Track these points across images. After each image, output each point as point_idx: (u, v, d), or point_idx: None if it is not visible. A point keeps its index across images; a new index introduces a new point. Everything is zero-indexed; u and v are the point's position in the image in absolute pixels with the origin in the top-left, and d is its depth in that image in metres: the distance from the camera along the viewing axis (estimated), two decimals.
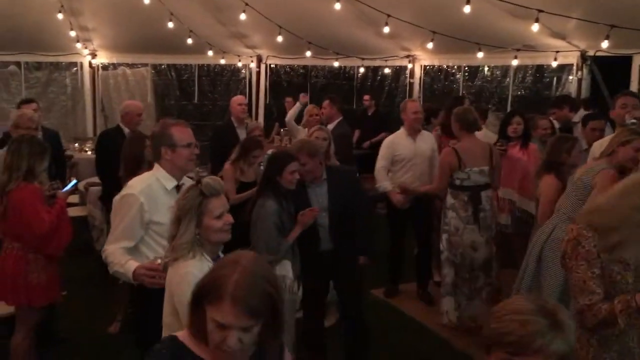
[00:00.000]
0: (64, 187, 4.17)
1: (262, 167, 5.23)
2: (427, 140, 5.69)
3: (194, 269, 2.34)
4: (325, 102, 6.60)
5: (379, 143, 9.31)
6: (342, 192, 4.01)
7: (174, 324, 2.39)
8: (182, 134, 3.06)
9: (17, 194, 3.68)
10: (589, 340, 2.44)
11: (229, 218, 2.48)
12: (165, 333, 2.49)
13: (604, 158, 3.72)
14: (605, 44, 6.62)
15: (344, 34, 8.74)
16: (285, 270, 3.74)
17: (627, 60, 7.28)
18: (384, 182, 5.62)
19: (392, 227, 5.82)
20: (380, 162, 5.66)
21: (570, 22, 6.75)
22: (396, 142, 5.65)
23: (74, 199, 6.69)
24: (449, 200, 4.85)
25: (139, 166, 3.84)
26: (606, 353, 2.43)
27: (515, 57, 8.21)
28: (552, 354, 1.50)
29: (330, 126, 6.29)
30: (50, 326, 4.48)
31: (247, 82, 11.29)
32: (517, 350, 1.51)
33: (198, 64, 11.40)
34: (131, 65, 11.41)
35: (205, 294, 1.56)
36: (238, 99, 6.38)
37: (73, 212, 5.91)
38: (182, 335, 1.70)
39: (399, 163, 5.61)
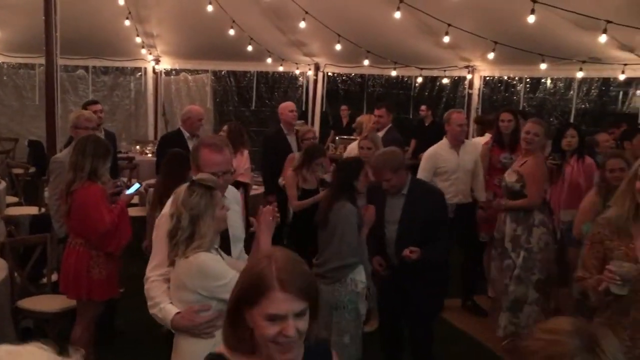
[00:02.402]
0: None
1: (319, 174, 5.25)
2: (470, 151, 5.46)
3: (206, 258, 2.44)
4: (383, 110, 6.32)
5: None
6: (419, 210, 3.82)
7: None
8: (208, 159, 2.79)
9: (82, 193, 3.81)
10: None
11: (226, 207, 2.61)
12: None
13: None
14: None
15: (403, 43, 8.69)
16: (360, 275, 3.76)
17: None
18: None
19: None
20: (422, 174, 5.33)
21: None
22: (439, 154, 5.41)
23: (134, 199, 6.87)
24: (537, 216, 4.57)
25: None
26: None
27: (581, 69, 7.96)
28: None
29: (381, 133, 6.15)
30: (110, 322, 4.62)
31: (304, 90, 11.39)
32: None
33: (257, 71, 11.59)
34: (192, 72, 11.70)
35: (248, 295, 1.51)
36: (288, 106, 6.24)
37: (133, 212, 6.08)
38: (224, 351, 1.62)
39: (441, 175, 5.36)
